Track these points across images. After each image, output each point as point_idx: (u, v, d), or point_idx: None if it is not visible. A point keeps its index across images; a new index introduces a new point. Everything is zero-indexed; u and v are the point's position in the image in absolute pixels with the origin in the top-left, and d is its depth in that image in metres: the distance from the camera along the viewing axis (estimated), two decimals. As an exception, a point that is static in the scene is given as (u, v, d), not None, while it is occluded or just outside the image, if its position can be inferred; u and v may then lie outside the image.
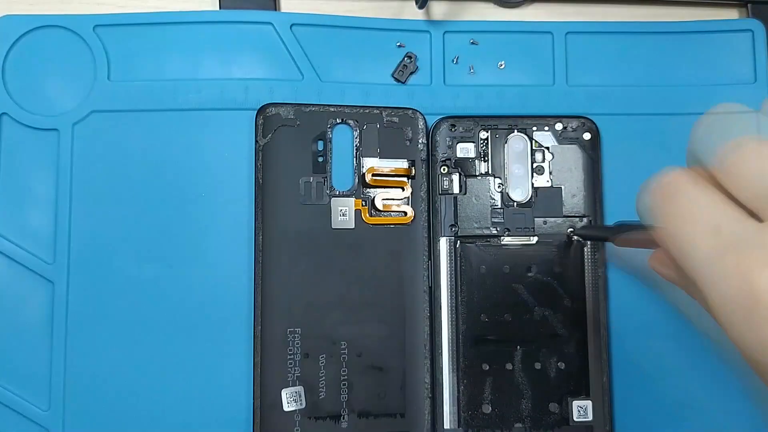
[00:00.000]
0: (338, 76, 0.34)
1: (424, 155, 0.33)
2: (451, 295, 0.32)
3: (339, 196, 0.32)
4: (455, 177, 0.33)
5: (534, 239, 0.33)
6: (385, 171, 0.33)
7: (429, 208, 0.33)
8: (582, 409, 0.32)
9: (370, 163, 0.33)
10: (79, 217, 0.32)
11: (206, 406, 0.32)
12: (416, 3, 0.33)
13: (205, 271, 0.32)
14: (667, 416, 0.33)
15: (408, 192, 0.33)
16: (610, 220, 0.33)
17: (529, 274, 0.33)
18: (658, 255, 0.23)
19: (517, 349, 0.32)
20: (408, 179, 0.33)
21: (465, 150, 0.33)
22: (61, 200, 0.32)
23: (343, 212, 0.32)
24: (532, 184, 0.33)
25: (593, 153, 0.33)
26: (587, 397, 0.32)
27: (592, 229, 0.32)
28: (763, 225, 0.17)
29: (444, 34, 0.35)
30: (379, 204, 0.33)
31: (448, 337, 0.32)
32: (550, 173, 0.33)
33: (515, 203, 0.33)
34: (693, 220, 0.18)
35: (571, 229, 0.33)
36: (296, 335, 0.31)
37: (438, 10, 0.35)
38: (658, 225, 0.19)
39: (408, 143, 0.33)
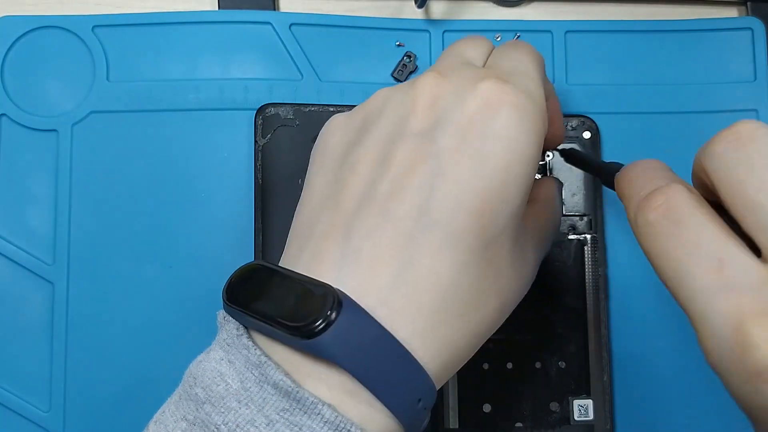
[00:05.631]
0: (337, 75, 0.34)
1: (423, 155, 0.33)
2: (452, 295, 0.32)
3: (339, 195, 0.32)
4: (455, 176, 0.33)
5: (534, 238, 0.33)
6: (385, 171, 0.33)
7: (429, 207, 0.33)
8: (583, 408, 0.32)
9: (369, 162, 0.33)
10: (79, 218, 0.32)
11: (207, 407, 0.32)
12: (415, 2, 0.33)
13: (205, 272, 0.32)
14: (668, 415, 0.33)
15: (408, 191, 0.33)
16: (610, 219, 0.33)
17: (530, 274, 0.33)
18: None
19: (517, 348, 0.32)
20: (408, 179, 0.33)
21: (465, 149, 0.33)
22: (61, 201, 0.32)
23: (343, 212, 0.32)
24: (532, 183, 0.33)
25: (593, 151, 0.33)
26: (588, 396, 0.32)
27: (581, 155, 0.31)
28: (763, 264, 0.17)
29: (443, 33, 0.35)
30: (379, 204, 0.32)
31: (449, 337, 0.32)
32: (550, 172, 0.33)
33: (515, 202, 0.33)
34: (695, 251, 0.18)
35: (561, 147, 0.31)
36: (296, 335, 0.31)
37: (437, 10, 0.35)
38: (653, 247, 0.19)
39: (408, 143, 0.33)
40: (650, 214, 0.19)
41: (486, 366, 0.32)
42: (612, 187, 0.24)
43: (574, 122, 0.33)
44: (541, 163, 0.33)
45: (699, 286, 0.18)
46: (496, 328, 0.22)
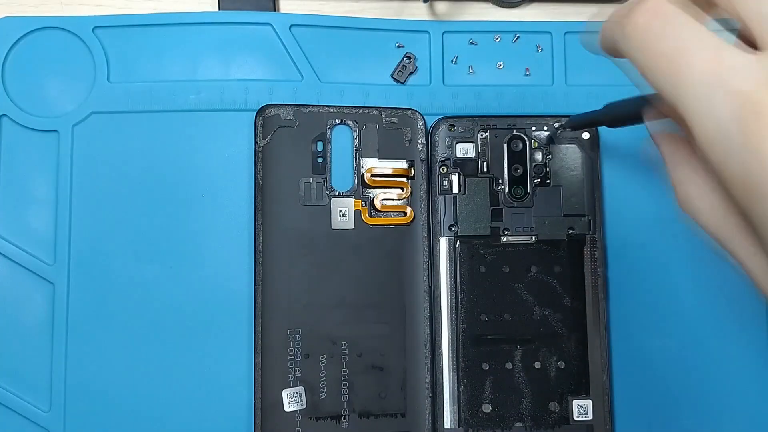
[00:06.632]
0: (337, 76, 0.34)
1: (423, 155, 0.33)
2: (451, 295, 0.32)
3: (339, 196, 0.33)
4: (454, 177, 0.33)
5: (533, 239, 0.33)
6: (385, 171, 0.33)
7: (428, 208, 0.33)
8: (582, 408, 0.32)
9: (369, 163, 0.33)
10: (80, 219, 0.32)
11: (207, 407, 0.32)
12: None
13: (206, 272, 0.32)
14: (667, 415, 0.33)
15: (407, 192, 0.33)
16: (609, 219, 0.33)
17: (529, 274, 0.33)
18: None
19: (517, 348, 0.32)
20: (407, 179, 0.33)
21: (464, 150, 0.33)
22: (61, 202, 0.32)
23: (343, 213, 0.32)
24: (532, 183, 0.33)
25: (592, 152, 0.33)
26: (587, 396, 0.32)
27: (581, 117, 0.31)
28: (763, 54, 0.17)
29: (443, 34, 0.35)
30: (378, 204, 0.33)
31: (448, 337, 0.32)
32: (550, 173, 0.33)
33: (515, 203, 0.33)
34: (691, 44, 0.18)
35: (558, 123, 0.33)
36: (297, 335, 0.31)
37: (437, 10, 0.35)
38: (646, 51, 0.19)
39: (407, 143, 0.33)
40: (639, 18, 0.19)
41: (486, 366, 0.32)
42: (620, 123, 0.26)
43: (573, 123, 0.34)
44: (540, 162, 0.33)
45: (698, 77, 0.17)
46: None
